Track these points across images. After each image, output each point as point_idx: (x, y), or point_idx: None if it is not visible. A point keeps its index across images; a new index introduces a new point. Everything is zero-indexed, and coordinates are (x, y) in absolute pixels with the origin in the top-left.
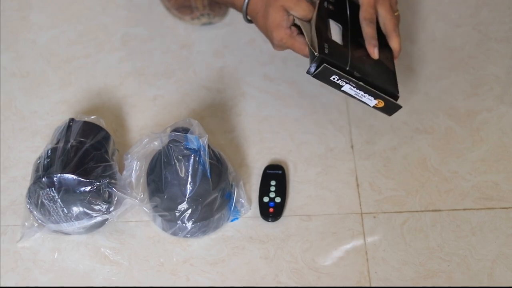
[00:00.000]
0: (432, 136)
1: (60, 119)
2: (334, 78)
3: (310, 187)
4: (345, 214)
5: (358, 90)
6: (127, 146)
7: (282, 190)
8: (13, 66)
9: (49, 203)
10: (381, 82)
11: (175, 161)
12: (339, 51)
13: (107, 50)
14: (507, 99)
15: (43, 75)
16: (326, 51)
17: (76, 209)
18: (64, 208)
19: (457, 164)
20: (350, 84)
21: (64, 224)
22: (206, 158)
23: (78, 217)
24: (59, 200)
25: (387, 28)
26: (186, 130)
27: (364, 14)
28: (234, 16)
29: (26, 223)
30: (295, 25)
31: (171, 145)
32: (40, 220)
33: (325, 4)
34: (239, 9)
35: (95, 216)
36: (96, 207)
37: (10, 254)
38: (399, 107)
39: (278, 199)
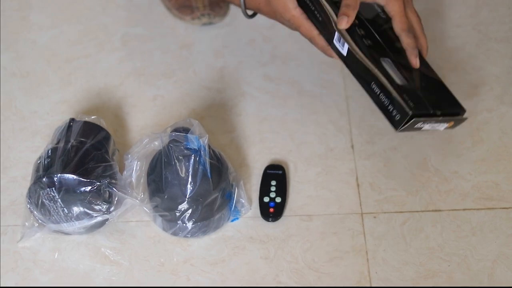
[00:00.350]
0: (432, 136)
1: (60, 119)
2: (419, 125)
3: (310, 187)
4: (345, 214)
5: (435, 124)
6: (128, 146)
7: (282, 190)
8: (13, 66)
9: (49, 203)
10: (450, 104)
11: (176, 161)
12: (414, 95)
13: (107, 50)
14: (507, 99)
15: (43, 75)
16: (411, 104)
17: (76, 209)
18: (65, 208)
19: (457, 164)
20: (431, 123)
21: (65, 224)
22: (207, 158)
23: (78, 217)
24: (59, 200)
25: (417, 30)
26: (186, 130)
27: (401, 26)
28: (234, 16)
29: (27, 223)
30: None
31: (171, 145)
32: (41, 220)
33: (364, 41)
34: (237, 4)
35: (96, 216)
36: (97, 207)
37: (10, 254)
38: (465, 119)
39: (278, 199)
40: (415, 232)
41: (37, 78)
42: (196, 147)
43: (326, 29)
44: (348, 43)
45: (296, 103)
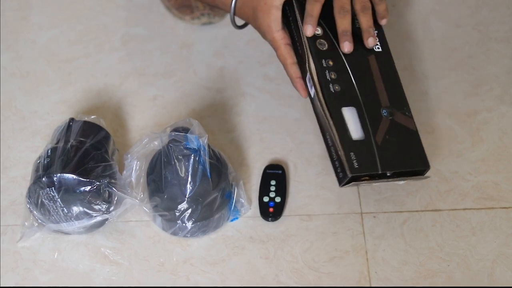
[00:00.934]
0: (432, 136)
1: (60, 119)
2: (364, 183)
3: (310, 187)
4: (345, 214)
5: (387, 182)
6: (127, 146)
7: (282, 190)
8: (13, 66)
9: (49, 203)
10: (411, 162)
11: (175, 161)
12: (365, 152)
13: (107, 50)
14: (507, 99)
15: (43, 75)
16: (355, 165)
17: (76, 209)
18: (64, 208)
19: (457, 164)
20: (380, 182)
21: (64, 224)
22: (206, 158)
23: (78, 217)
24: (59, 200)
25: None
26: (186, 130)
27: (356, 6)
28: None
29: (26, 223)
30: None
31: (171, 145)
32: (40, 220)
33: (331, 86)
34: (227, 10)
35: (95, 216)
36: (96, 207)
37: (10, 254)
38: (427, 177)
39: (278, 199)
40: (415, 232)
41: (37, 78)
42: (195, 147)
43: (303, 64)
44: (314, 87)
45: (296, 103)
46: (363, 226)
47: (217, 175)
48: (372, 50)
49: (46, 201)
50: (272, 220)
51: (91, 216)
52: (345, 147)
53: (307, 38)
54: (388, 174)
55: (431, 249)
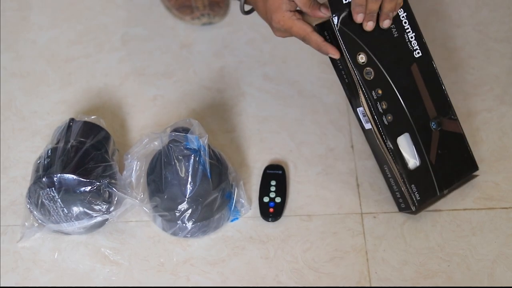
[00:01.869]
0: None
1: (60, 119)
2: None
3: (310, 187)
4: (345, 214)
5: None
6: (127, 146)
7: (282, 190)
8: (13, 66)
9: (49, 203)
10: (462, 171)
11: (175, 161)
12: (424, 180)
13: (107, 50)
14: (507, 99)
15: (43, 75)
16: (417, 196)
17: (76, 209)
18: (64, 208)
19: None
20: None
21: (64, 224)
22: (206, 158)
23: (78, 217)
24: (59, 200)
25: None
26: (186, 130)
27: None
28: (234, 16)
29: (26, 223)
30: (298, 11)
31: (171, 145)
32: (40, 220)
33: (384, 119)
34: None
35: (95, 216)
36: (96, 207)
37: (10, 254)
38: (476, 176)
39: (278, 199)
40: (415, 232)
41: (37, 78)
42: (196, 147)
43: (353, 96)
44: (369, 122)
45: (296, 103)
46: (363, 226)
47: (217, 175)
48: (413, 56)
49: (46, 201)
50: (272, 220)
51: (91, 216)
52: (406, 181)
53: (356, 68)
54: (445, 192)
55: (431, 249)
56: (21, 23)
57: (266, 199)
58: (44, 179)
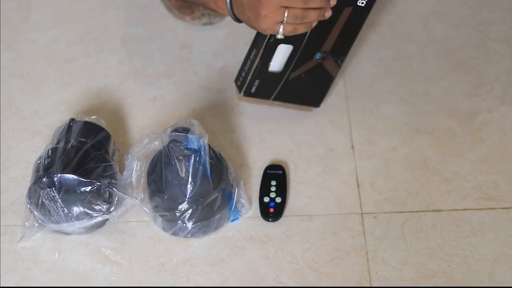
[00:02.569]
0: (432, 136)
1: (60, 119)
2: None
3: (310, 187)
4: (345, 214)
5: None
6: (128, 146)
7: (282, 190)
8: (13, 66)
9: (49, 203)
10: (305, 99)
11: (176, 161)
12: (270, 84)
13: (107, 50)
14: (508, 99)
15: (43, 75)
16: (253, 89)
17: (76, 209)
18: (65, 208)
19: (458, 164)
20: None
21: (65, 224)
22: (207, 158)
23: (78, 217)
24: (59, 200)
25: None
26: (186, 130)
27: None
28: None
29: (27, 223)
30: None
31: (171, 145)
32: (41, 220)
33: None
34: (223, 11)
35: (96, 216)
36: (97, 207)
37: (10, 254)
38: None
39: (278, 199)
40: (415, 232)
41: (37, 78)
42: (196, 147)
43: None
44: None
45: None
46: (364, 227)
47: (218, 176)
48: (354, 2)
49: (46, 201)
50: (273, 221)
51: (91, 217)
52: (256, 74)
53: None
54: (280, 102)
55: (431, 250)
56: (21, 23)
57: (266, 199)
58: (44, 179)
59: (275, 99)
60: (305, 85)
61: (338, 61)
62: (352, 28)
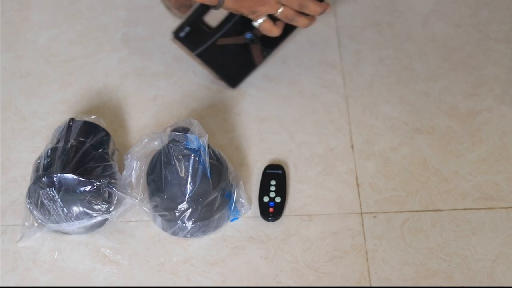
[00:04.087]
0: (432, 136)
1: (60, 119)
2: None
3: (310, 187)
4: (345, 214)
5: (203, 67)
6: (127, 146)
7: (282, 190)
8: (13, 66)
9: (49, 203)
10: (227, 75)
11: (175, 161)
12: (200, 37)
13: (107, 50)
14: (507, 99)
15: (43, 75)
16: (182, 34)
17: (76, 209)
18: (64, 208)
19: (457, 164)
20: (197, 62)
21: (64, 224)
22: (206, 158)
23: (78, 217)
24: (59, 200)
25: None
26: (186, 130)
27: None
28: None
29: (26, 223)
30: None
31: (171, 145)
32: (40, 220)
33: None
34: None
35: (95, 216)
36: (96, 207)
37: (10, 254)
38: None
39: (278, 199)
40: (415, 232)
41: (37, 78)
42: (195, 147)
43: None
44: None
45: (296, 103)
46: (363, 226)
47: (217, 175)
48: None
49: (46, 201)
50: (272, 220)
51: (91, 216)
52: (190, 19)
53: None
54: (202, 62)
55: (431, 249)
56: (21, 23)
57: (266, 199)
58: (44, 179)
59: (199, 56)
60: (228, 58)
61: (265, 52)
62: (286, 26)
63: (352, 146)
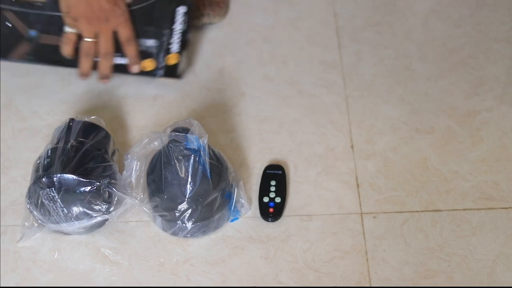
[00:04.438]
0: (432, 136)
1: (60, 119)
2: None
3: (310, 187)
4: (345, 214)
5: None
6: (127, 146)
7: (282, 190)
8: (13, 66)
9: (49, 203)
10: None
11: (175, 161)
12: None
13: None
14: (507, 99)
15: (43, 75)
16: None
17: (76, 209)
18: (64, 208)
19: (457, 164)
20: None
21: (64, 224)
22: (206, 158)
23: (78, 217)
24: (59, 200)
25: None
26: (186, 130)
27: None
28: (234, 16)
29: (26, 223)
30: None
31: (171, 145)
32: (40, 220)
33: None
34: None
35: (95, 216)
36: (96, 207)
37: (10, 254)
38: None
39: (278, 199)
40: (415, 232)
41: (37, 78)
42: (195, 147)
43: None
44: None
45: (296, 103)
46: (363, 226)
47: (217, 176)
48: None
49: (46, 202)
50: (272, 220)
51: (91, 217)
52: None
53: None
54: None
55: (431, 249)
56: None
57: (266, 199)
58: (44, 179)
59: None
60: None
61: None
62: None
63: (352, 146)
